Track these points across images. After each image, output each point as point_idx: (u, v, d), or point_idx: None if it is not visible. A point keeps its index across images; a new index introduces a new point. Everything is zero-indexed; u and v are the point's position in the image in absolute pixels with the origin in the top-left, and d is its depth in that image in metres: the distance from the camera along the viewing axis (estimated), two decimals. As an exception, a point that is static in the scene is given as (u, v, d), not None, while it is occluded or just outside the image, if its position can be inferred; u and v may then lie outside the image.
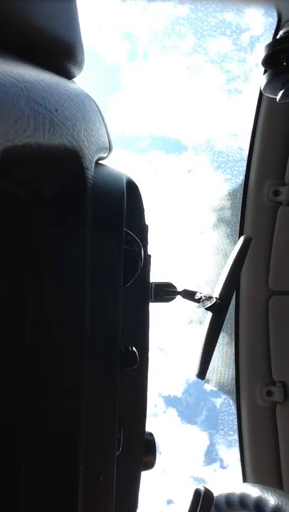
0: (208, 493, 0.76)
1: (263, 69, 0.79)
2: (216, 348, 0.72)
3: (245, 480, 1.42)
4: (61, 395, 0.34)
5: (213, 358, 0.73)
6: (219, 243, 1.51)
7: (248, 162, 1.36)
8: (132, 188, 0.51)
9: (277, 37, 0.90)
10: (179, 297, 0.73)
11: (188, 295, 0.74)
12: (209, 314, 0.73)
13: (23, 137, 0.26)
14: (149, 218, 0.57)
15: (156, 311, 0.66)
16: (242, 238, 0.78)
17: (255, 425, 1.41)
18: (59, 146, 0.32)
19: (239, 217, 1.41)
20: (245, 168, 1.38)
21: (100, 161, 0.48)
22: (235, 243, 0.79)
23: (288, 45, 0.75)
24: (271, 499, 0.78)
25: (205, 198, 1.60)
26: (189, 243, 1.66)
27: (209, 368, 0.73)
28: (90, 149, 0.40)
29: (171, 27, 1.47)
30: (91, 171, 0.39)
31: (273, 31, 1.04)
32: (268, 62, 0.77)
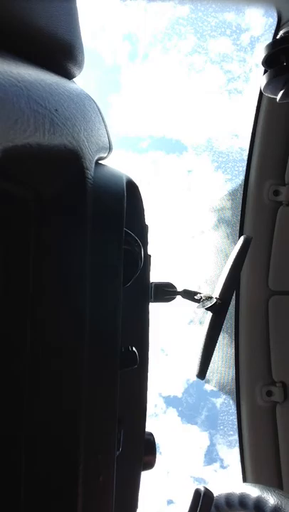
0: (208, 493, 0.76)
1: (263, 69, 0.79)
2: (216, 348, 0.72)
3: (245, 480, 1.42)
4: (61, 395, 0.34)
5: (213, 358, 0.73)
6: (219, 243, 1.51)
7: (248, 162, 1.36)
8: (132, 188, 0.51)
9: (277, 37, 0.90)
10: (179, 297, 0.73)
11: (188, 295, 0.74)
12: (209, 314, 0.73)
13: (23, 137, 0.26)
14: (150, 218, 0.57)
15: (156, 311, 0.66)
16: (242, 238, 0.78)
17: (255, 425, 1.41)
18: (59, 146, 0.32)
19: (239, 217, 1.41)
20: (245, 168, 1.38)
21: (100, 161, 0.48)
22: (235, 243, 0.79)
23: (288, 45, 0.75)
24: (271, 499, 0.78)
25: (205, 198, 1.60)
26: (189, 243, 1.67)
27: (209, 368, 0.73)
28: (90, 149, 0.40)
29: (171, 27, 1.47)
30: (91, 171, 0.39)
31: (273, 31, 1.04)
32: (268, 62, 0.77)
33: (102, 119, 0.48)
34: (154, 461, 0.55)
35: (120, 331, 0.38)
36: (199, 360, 0.73)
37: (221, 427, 1.63)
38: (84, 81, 0.48)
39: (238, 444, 1.44)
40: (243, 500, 0.84)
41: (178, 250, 1.75)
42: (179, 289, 0.72)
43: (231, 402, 1.50)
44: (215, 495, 0.81)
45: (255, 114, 1.30)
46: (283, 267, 1.40)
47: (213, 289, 0.75)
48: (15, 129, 0.25)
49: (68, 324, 0.35)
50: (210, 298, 0.72)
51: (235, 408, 1.45)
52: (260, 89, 0.80)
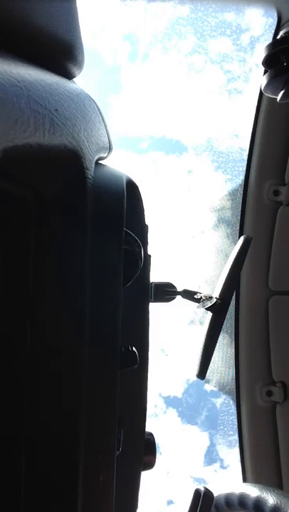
0: (208, 493, 0.76)
1: (263, 69, 0.79)
2: (216, 348, 0.72)
3: (245, 480, 1.42)
4: (61, 395, 0.34)
5: (213, 358, 0.73)
6: (219, 243, 1.51)
7: (248, 162, 1.36)
8: (132, 188, 0.51)
9: (278, 37, 0.90)
10: (179, 297, 0.73)
11: (189, 295, 0.74)
12: (209, 314, 0.73)
13: (23, 137, 0.26)
14: (150, 218, 0.57)
15: (156, 311, 0.66)
16: (242, 238, 0.78)
17: (255, 425, 1.41)
18: (59, 146, 0.32)
19: (239, 218, 1.41)
20: (245, 168, 1.38)
21: (100, 161, 0.48)
22: (235, 243, 0.79)
23: (288, 45, 0.75)
24: (270, 499, 0.78)
25: (205, 198, 1.60)
26: (189, 243, 1.67)
27: (209, 368, 0.73)
28: (90, 149, 0.40)
29: (171, 27, 1.47)
30: (91, 171, 0.39)
31: (273, 31, 1.04)
32: (268, 63, 0.77)
33: (102, 119, 0.48)
34: (154, 461, 0.55)
35: (120, 331, 0.38)
36: (199, 360, 0.73)
37: (221, 427, 1.63)
38: (84, 81, 0.48)
39: (238, 444, 1.44)
40: (242, 500, 0.84)
41: (178, 250, 1.75)
42: (179, 289, 0.72)
43: (231, 402, 1.50)
44: (215, 495, 0.81)
45: (255, 114, 1.30)
46: (283, 267, 1.40)
47: (213, 289, 0.75)
48: (15, 129, 0.25)
49: (68, 324, 0.35)
50: (210, 298, 0.72)
51: (235, 408, 1.45)
52: (260, 90, 0.80)
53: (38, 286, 0.35)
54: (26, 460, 0.33)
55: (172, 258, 1.71)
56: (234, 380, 1.44)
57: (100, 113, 0.47)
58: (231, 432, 1.54)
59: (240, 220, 1.40)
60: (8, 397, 0.34)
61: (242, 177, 1.39)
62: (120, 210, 0.41)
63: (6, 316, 0.35)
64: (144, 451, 0.54)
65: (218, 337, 0.73)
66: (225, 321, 0.74)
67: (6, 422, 0.34)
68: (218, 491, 0.89)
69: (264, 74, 0.78)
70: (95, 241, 0.37)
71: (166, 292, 0.70)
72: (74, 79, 0.46)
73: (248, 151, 1.35)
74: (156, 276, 0.64)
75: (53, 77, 0.37)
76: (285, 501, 0.76)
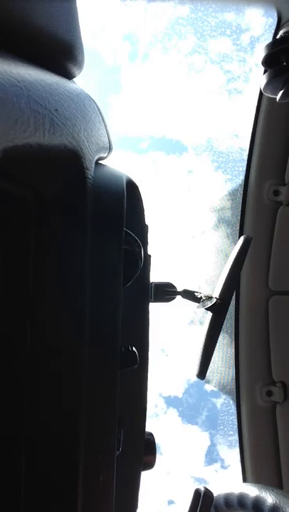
0: (208, 493, 0.76)
1: (263, 69, 0.79)
2: (216, 348, 0.72)
3: (245, 480, 1.42)
4: (61, 395, 0.34)
5: (213, 358, 0.73)
6: (219, 243, 1.51)
7: (248, 162, 1.36)
8: (132, 188, 0.51)
9: (277, 37, 0.90)
10: (179, 297, 0.73)
11: (189, 295, 0.74)
12: (209, 314, 0.73)
13: (23, 137, 0.26)
14: (150, 218, 0.57)
15: (156, 311, 0.66)
16: (242, 238, 0.78)
17: (255, 425, 1.41)
18: (59, 146, 0.32)
19: (239, 218, 1.41)
20: (245, 168, 1.38)
21: (100, 161, 0.48)
22: (235, 243, 0.79)
23: (288, 45, 0.75)
24: (269, 498, 0.78)
25: (205, 198, 1.60)
26: (190, 243, 1.67)
27: (210, 368, 0.73)
28: (90, 149, 0.40)
29: (171, 27, 1.47)
30: (91, 171, 0.39)
31: (273, 31, 1.04)
32: (268, 62, 0.77)
33: (102, 119, 0.48)
34: (154, 461, 0.55)
35: (120, 331, 0.38)
36: (199, 360, 0.73)
37: (221, 427, 1.63)
38: (84, 81, 0.48)
39: (238, 444, 1.44)
40: (241, 500, 0.84)
41: (178, 250, 1.75)
42: (179, 289, 0.72)
43: (231, 402, 1.50)
44: (214, 495, 0.81)
45: (255, 114, 1.30)
46: (283, 267, 1.40)
47: (213, 289, 0.75)
48: (15, 129, 0.25)
49: (68, 324, 0.35)
50: (210, 298, 0.72)
51: (235, 408, 1.45)
52: (260, 89, 0.80)
53: (38, 286, 0.35)
54: (26, 460, 0.33)
55: (172, 258, 1.71)
56: (234, 380, 1.44)
57: (100, 113, 0.47)
58: (231, 432, 1.54)
59: (240, 220, 1.40)
60: (8, 397, 0.34)
61: (242, 177, 1.39)
62: (120, 210, 0.41)
63: (6, 316, 0.35)
64: (144, 451, 0.54)
65: (218, 337, 0.73)
66: (225, 321, 0.74)
67: (6, 422, 0.34)
68: (218, 491, 0.89)
69: (264, 74, 0.78)
70: (95, 241, 0.37)
71: (166, 292, 0.70)
72: (74, 79, 0.46)
73: (248, 151, 1.35)
74: (156, 276, 0.64)
75: (53, 77, 0.37)
76: (284, 501, 0.76)
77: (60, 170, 0.35)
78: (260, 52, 0.77)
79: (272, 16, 1.00)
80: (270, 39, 1.06)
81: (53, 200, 0.35)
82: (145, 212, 0.56)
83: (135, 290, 0.53)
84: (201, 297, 0.73)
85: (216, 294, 0.73)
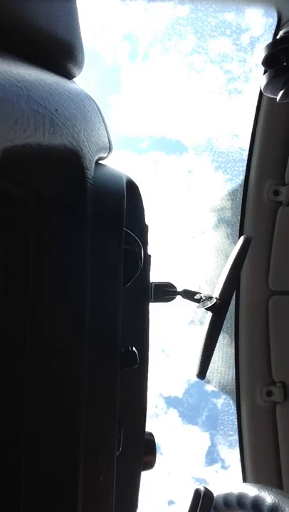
0: (208, 493, 0.76)
1: (263, 69, 0.79)
2: (216, 348, 0.72)
3: (245, 480, 1.42)
4: (61, 395, 0.34)
5: (213, 358, 0.73)
6: (219, 243, 1.51)
7: (248, 162, 1.36)
8: (132, 188, 0.51)
9: (277, 37, 0.90)
10: (179, 297, 0.73)
11: (188, 295, 0.74)
12: (209, 314, 0.73)
13: (23, 137, 0.26)
14: (150, 218, 0.57)
15: (156, 311, 0.66)
16: (242, 238, 0.78)
17: (255, 425, 1.41)
18: (59, 146, 0.32)
19: (239, 218, 1.41)
20: (245, 168, 1.38)
21: (100, 161, 0.48)
22: (235, 243, 0.79)
23: (288, 45, 0.75)
24: (268, 498, 0.78)
25: (205, 198, 1.60)
26: (190, 243, 1.67)
27: (210, 368, 0.73)
28: (90, 149, 0.40)
29: (171, 27, 1.47)
30: (91, 171, 0.39)
31: (273, 31, 1.04)
32: (268, 62, 0.77)
33: (102, 119, 0.48)
34: (154, 461, 0.55)
35: (120, 331, 0.38)
36: (199, 360, 0.73)
37: (221, 427, 1.63)
38: (84, 81, 0.48)
39: (238, 444, 1.44)
40: (240, 500, 0.84)
41: (178, 250, 1.75)
42: (179, 289, 0.72)
43: (231, 402, 1.50)
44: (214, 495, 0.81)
45: (255, 114, 1.30)
46: (283, 267, 1.40)
47: (213, 289, 0.75)
48: (15, 129, 0.25)
49: (68, 324, 0.35)
50: (210, 298, 0.72)
51: (235, 408, 1.45)
52: (260, 89, 0.80)
53: (38, 286, 0.35)
54: (26, 460, 0.33)
55: (172, 258, 1.71)
56: (234, 380, 1.44)
57: (100, 113, 0.47)
58: (231, 432, 1.54)
59: (240, 220, 1.40)
60: (8, 397, 0.34)
61: (242, 177, 1.39)
62: (120, 210, 0.41)
63: (6, 316, 0.35)
64: (144, 451, 0.54)
65: (218, 337, 0.73)
66: (225, 321, 0.74)
67: (6, 422, 0.34)
68: (217, 491, 0.89)
69: (264, 74, 0.78)
70: (95, 241, 0.37)
71: (166, 292, 0.70)
72: (74, 79, 0.46)
73: (248, 151, 1.35)
74: (156, 276, 0.64)
75: (53, 77, 0.37)
76: (283, 500, 0.76)
77: (60, 170, 0.35)
78: (260, 53, 0.77)
79: (272, 15, 1.00)
80: (270, 39, 1.06)
81: (53, 200, 0.35)
82: (145, 212, 0.56)
83: (135, 290, 0.53)
84: (201, 297, 0.73)
85: (216, 294, 0.73)
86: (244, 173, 1.38)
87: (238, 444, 1.44)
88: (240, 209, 1.40)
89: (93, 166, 0.40)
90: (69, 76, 0.44)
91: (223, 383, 1.53)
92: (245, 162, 1.37)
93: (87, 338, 0.35)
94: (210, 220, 1.55)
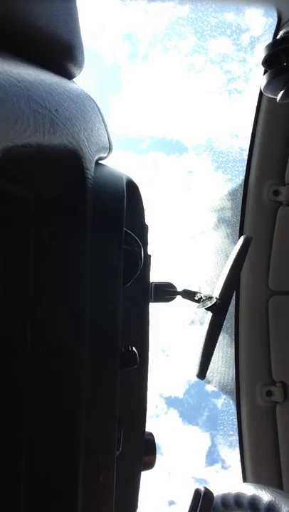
0: (208, 493, 0.76)
1: (263, 69, 0.79)
2: (216, 348, 0.72)
3: (245, 480, 1.42)
4: (61, 395, 0.34)
5: (213, 359, 0.73)
6: (219, 243, 1.51)
7: (248, 162, 1.36)
8: (132, 188, 0.51)
9: (277, 37, 0.90)
10: (179, 297, 0.73)
11: (189, 295, 0.74)
12: (209, 314, 0.73)
13: (23, 137, 0.26)
14: (150, 218, 0.57)
15: (156, 311, 0.66)
16: (242, 238, 0.78)
17: (255, 425, 1.41)
18: (59, 146, 0.32)
19: (239, 218, 1.41)
20: (245, 168, 1.38)
21: (100, 161, 0.48)
22: (235, 243, 0.79)
23: (288, 45, 0.75)
24: (265, 496, 0.79)
25: (205, 198, 1.60)
26: (190, 243, 1.67)
27: (210, 368, 0.73)
28: (90, 149, 0.40)
29: (171, 27, 1.47)
30: (91, 171, 0.39)
31: (273, 31, 1.04)
32: (268, 63, 0.77)
33: (102, 119, 0.48)
34: (154, 461, 0.55)
35: (120, 331, 0.38)
36: (199, 360, 0.73)
37: (222, 427, 1.63)
38: (84, 81, 0.48)
39: (238, 444, 1.44)
40: (238, 499, 0.84)
41: (178, 250, 1.75)
42: (179, 289, 0.72)
43: (231, 402, 1.50)
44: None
45: (255, 114, 1.30)
46: (283, 267, 1.40)
47: (213, 289, 0.75)
48: (15, 129, 0.25)
49: (68, 324, 0.35)
50: (210, 298, 0.72)
51: (235, 408, 1.45)
52: (260, 90, 0.80)
53: (38, 286, 0.35)
54: (26, 460, 0.33)
55: (172, 258, 1.71)
56: (234, 380, 1.44)
57: (100, 113, 0.47)
58: (231, 432, 1.54)
59: (240, 220, 1.40)
60: (8, 397, 0.34)
61: (242, 177, 1.39)
62: (120, 210, 0.41)
63: (6, 316, 0.35)
64: (144, 451, 0.54)
65: (218, 337, 0.73)
66: (225, 321, 0.74)
67: (6, 422, 0.34)
68: (217, 491, 0.89)
69: (264, 74, 0.78)
70: (95, 241, 0.37)
71: (166, 292, 0.70)
72: (74, 79, 0.46)
73: (248, 151, 1.35)
74: (156, 276, 0.64)
75: (53, 77, 0.37)
76: (280, 499, 0.76)
77: (60, 170, 0.35)
78: (260, 53, 0.77)
79: (272, 15, 1.00)
80: (270, 39, 1.06)
81: (53, 200, 0.35)
82: (145, 212, 0.56)
83: (135, 290, 0.53)
84: (201, 297, 0.73)
85: (216, 294, 0.73)
86: (244, 173, 1.38)
87: (238, 444, 1.44)
88: (240, 209, 1.40)
89: (93, 166, 0.40)
90: (69, 76, 0.44)
91: (223, 383, 1.53)
92: (245, 162, 1.37)
93: (87, 338, 0.35)
94: (210, 220, 1.55)
